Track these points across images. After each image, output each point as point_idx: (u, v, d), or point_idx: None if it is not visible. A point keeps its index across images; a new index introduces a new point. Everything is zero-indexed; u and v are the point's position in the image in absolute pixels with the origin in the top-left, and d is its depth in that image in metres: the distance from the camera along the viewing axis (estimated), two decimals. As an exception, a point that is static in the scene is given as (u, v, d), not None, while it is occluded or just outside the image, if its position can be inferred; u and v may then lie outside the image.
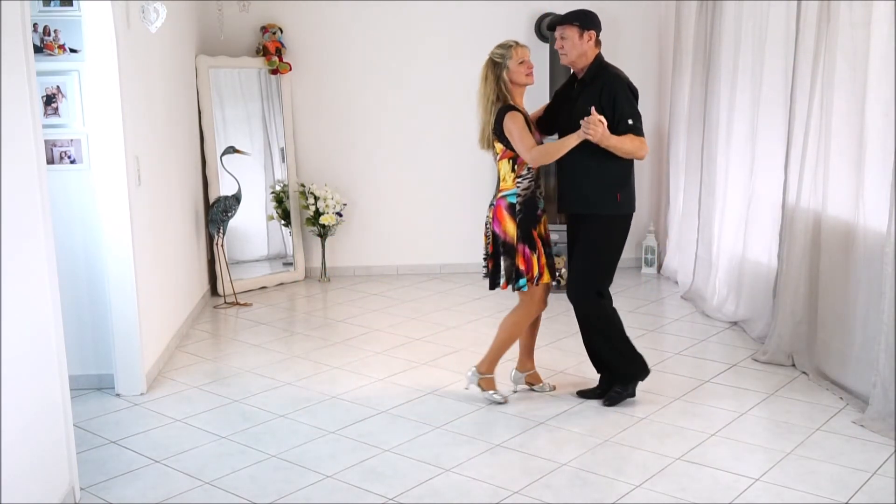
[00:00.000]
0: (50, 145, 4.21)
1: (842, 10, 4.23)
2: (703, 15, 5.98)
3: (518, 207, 4.06)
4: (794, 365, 4.67)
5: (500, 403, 4.23)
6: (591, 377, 4.45)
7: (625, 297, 6.27)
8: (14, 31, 2.92)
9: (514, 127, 3.96)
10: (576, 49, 4.03)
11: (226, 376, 4.72)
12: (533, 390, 4.39)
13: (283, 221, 6.87)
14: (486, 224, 4.19)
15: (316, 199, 6.63)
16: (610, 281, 4.21)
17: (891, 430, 3.75)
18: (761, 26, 5.17)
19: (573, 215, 4.21)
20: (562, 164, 4.11)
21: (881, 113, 4.01)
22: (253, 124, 6.80)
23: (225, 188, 6.36)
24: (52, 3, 4.17)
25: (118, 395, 4.41)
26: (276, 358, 5.02)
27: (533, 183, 4.09)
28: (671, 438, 3.81)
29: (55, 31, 4.19)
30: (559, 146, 3.95)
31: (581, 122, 3.88)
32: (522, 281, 4.07)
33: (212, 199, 6.34)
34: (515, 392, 4.37)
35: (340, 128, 6.92)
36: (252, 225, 6.93)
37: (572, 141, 3.92)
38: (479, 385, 4.27)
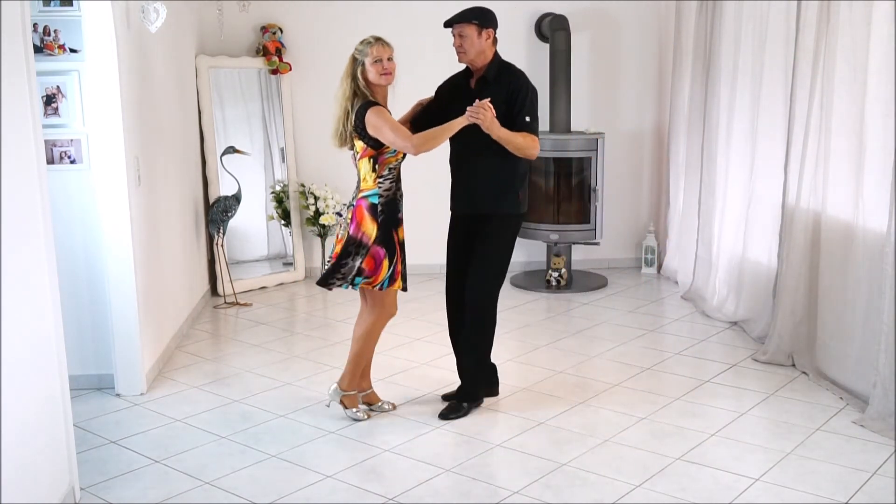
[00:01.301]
0: (50, 145, 4.20)
1: (842, 9, 4.23)
2: (703, 15, 5.98)
3: (380, 208, 3.88)
4: (794, 365, 4.67)
5: (360, 420, 4.03)
6: (592, 377, 4.45)
7: (625, 297, 6.27)
8: (14, 31, 2.92)
9: (381, 121, 3.77)
10: (474, 47, 3.96)
11: (226, 376, 4.72)
12: (372, 410, 4.14)
13: (283, 221, 6.87)
14: (343, 223, 3.98)
15: (316, 199, 6.63)
16: (503, 281, 4.16)
17: (891, 430, 3.75)
18: (761, 26, 5.17)
19: (462, 216, 4.15)
20: (461, 163, 4.09)
21: (881, 113, 4.01)
22: (253, 124, 6.81)
23: (225, 188, 6.36)
24: (52, 3, 4.17)
25: (118, 395, 4.41)
26: (276, 358, 5.02)
27: (394, 184, 3.93)
28: (671, 438, 3.81)
29: (55, 31, 4.19)
30: (442, 131, 3.82)
31: (468, 108, 3.79)
32: (358, 280, 3.88)
33: (212, 199, 6.34)
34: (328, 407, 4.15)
35: (340, 128, 6.91)
36: (252, 225, 6.93)
37: (455, 126, 3.81)
38: (341, 403, 4.06)
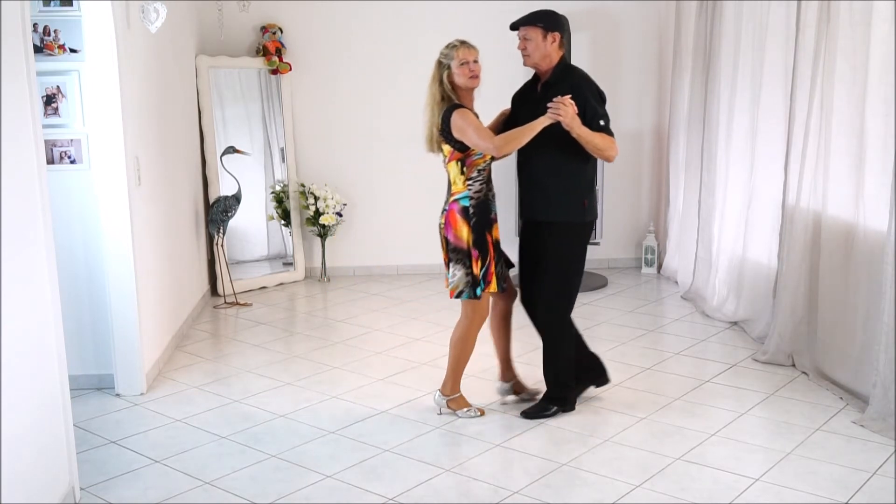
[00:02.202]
0: (50, 145, 4.21)
1: (842, 9, 4.23)
2: (703, 15, 5.98)
3: (471, 210, 3.89)
4: (794, 365, 4.67)
5: (476, 417, 4.08)
6: (591, 377, 4.44)
7: (625, 297, 6.27)
8: (14, 31, 2.92)
9: (465, 123, 3.78)
10: (539, 51, 3.91)
11: (226, 376, 4.72)
12: (521, 399, 4.24)
13: (283, 221, 6.87)
14: (439, 229, 3.99)
15: (316, 199, 6.63)
16: (577, 294, 4.10)
17: (891, 430, 3.75)
18: (761, 26, 5.17)
19: (531, 223, 4.09)
20: (523, 168, 4.02)
21: (881, 113, 4.01)
22: (253, 124, 6.81)
23: (225, 188, 6.36)
24: (52, 3, 4.17)
25: (118, 395, 4.41)
26: (276, 358, 5.02)
27: (485, 185, 3.92)
28: (671, 438, 3.81)
29: (55, 31, 4.19)
30: (524, 131, 3.77)
31: (548, 104, 3.73)
32: (480, 289, 3.90)
33: (212, 199, 6.34)
34: (505, 403, 4.25)
35: (340, 128, 6.92)
36: (252, 225, 6.93)
37: (538, 126, 3.74)
38: (449, 407, 4.10)
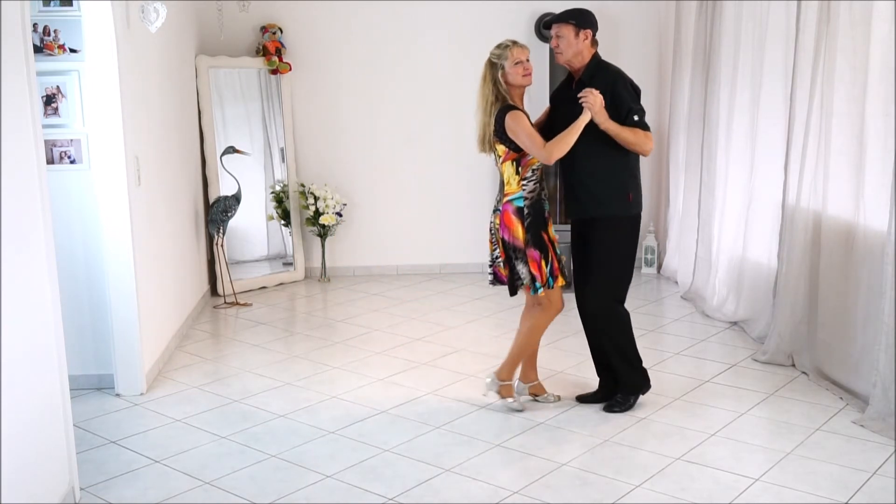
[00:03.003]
0: (50, 145, 4.20)
1: (842, 9, 4.23)
2: (703, 15, 5.98)
3: (526, 211, 3.95)
4: (794, 365, 4.67)
5: (518, 411, 4.11)
6: (592, 378, 4.44)
7: (625, 297, 6.27)
8: (14, 31, 2.92)
9: (518, 127, 3.84)
10: (571, 48, 3.95)
11: (226, 376, 4.72)
12: (537, 401, 4.24)
13: (283, 221, 6.87)
14: (490, 230, 4.07)
15: (316, 199, 6.63)
16: (628, 285, 4.12)
17: (891, 430, 3.75)
18: (761, 26, 5.17)
19: (578, 222, 4.12)
20: (565, 167, 4.04)
21: (881, 113, 4.01)
22: (253, 124, 6.81)
23: (225, 188, 6.36)
24: (52, 3, 4.17)
25: (118, 395, 4.41)
26: (276, 358, 5.02)
27: (538, 185, 3.98)
28: (671, 438, 3.81)
29: (55, 31, 4.19)
30: (569, 133, 3.81)
31: (578, 97, 3.81)
32: (538, 286, 3.96)
33: (212, 199, 6.34)
34: (518, 409, 4.22)
35: (340, 128, 6.92)
36: (252, 225, 6.93)
37: (580, 124, 3.80)
38: (498, 392, 4.15)
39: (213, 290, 6.51)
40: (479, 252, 7.16)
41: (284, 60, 6.66)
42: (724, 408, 4.15)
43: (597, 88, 3.83)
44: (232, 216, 6.23)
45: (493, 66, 3.95)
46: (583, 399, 4.27)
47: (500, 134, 3.90)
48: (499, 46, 3.97)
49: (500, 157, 3.99)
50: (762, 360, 4.76)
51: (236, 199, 6.19)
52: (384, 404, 4.26)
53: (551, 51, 6.55)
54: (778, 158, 4.95)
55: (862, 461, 3.53)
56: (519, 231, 3.96)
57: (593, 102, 3.78)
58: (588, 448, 3.73)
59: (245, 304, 6.21)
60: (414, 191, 7.04)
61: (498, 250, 4.06)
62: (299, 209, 6.81)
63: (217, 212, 6.16)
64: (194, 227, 6.04)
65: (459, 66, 6.81)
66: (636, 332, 5.31)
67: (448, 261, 7.15)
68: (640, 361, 4.19)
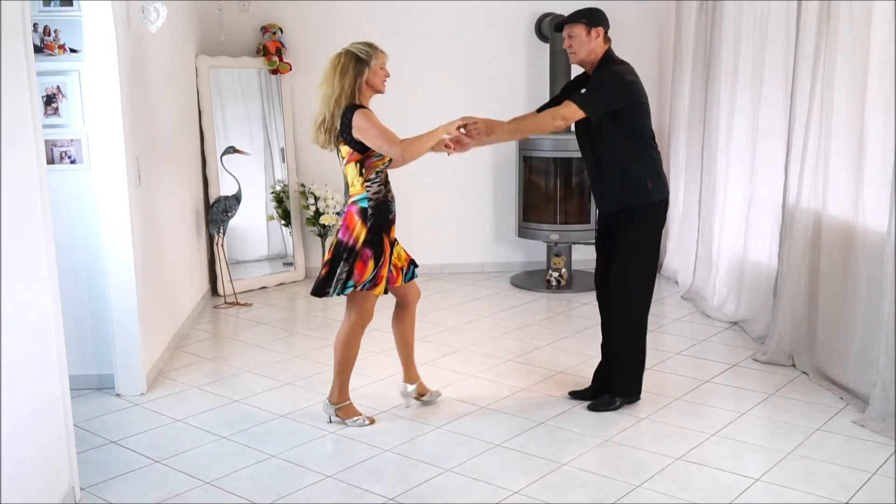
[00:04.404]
0: (50, 145, 4.20)
1: (842, 9, 4.23)
2: (703, 15, 5.98)
3: (370, 212, 3.81)
4: (794, 365, 4.67)
5: (366, 426, 3.98)
6: (591, 378, 4.44)
7: (625, 297, 6.27)
8: (14, 31, 2.92)
9: (369, 123, 3.70)
10: (584, 47, 3.95)
11: (226, 376, 4.72)
12: (424, 402, 4.21)
13: (283, 221, 6.87)
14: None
15: (316, 199, 6.63)
16: (654, 281, 4.13)
17: (891, 430, 3.75)
18: (761, 26, 5.17)
19: (605, 216, 4.13)
20: (585, 163, 4.11)
21: (881, 113, 4.01)
22: (253, 124, 6.80)
23: (225, 188, 6.36)
24: (52, 3, 4.17)
25: (118, 395, 4.41)
26: (276, 358, 5.02)
27: (383, 187, 3.86)
28: (671, 438, 3.81)
29: (55, 31, 4.19)
30: (424, 137, 3.78)
31: (451, 138, 3.86)
32: (350, 284, 3.82)
33: (212, 199, 6.34)
34: (408, 407, 4.20)
35: (340, 128, 6.91)
36: (252, 225, 6.93)
37: (436, 135, 3.81)
38: (338, 416, 3.99)
39: (214, 290, 6.51)
40: (479, 252, 7.18)
41: (284, 60, 6.66)
42: (725, 408, 4.15)
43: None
44: (232, 216, 6.23)
45: (359, 60, 3.77)
46: (575, 395, 4.29)
47: (346, 134, 3.76)
48: (365, 44, 3.82)
49: (343, 158, 3.85)
50: (762, 360, 4.76)
51: (237, 199, 6.19)
52: (384, 404, 4.26)
53: (551, 51, 6.63)
54: (778, 158, 4.95)
55: (862, 461, 3.53)
56: (360, 231, 3.81)
57: (462, 148, 3.90)
58: (588, 448, 3.73)
59: (245, 304, 6.21)
60: (414, 191, 7.03)
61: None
62: (299, 209, 6.81)
63: (217, 212, 6.16)
64: (194, 227, 6.04)
65: (459, 67, 6.82)
66: (636, 332, 5.36)
67: (448, 261, 7.15)
68: (643, 370, 4.19)
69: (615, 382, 4.16)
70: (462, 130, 3.90)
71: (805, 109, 4.54)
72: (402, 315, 4.17)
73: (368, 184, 3.84)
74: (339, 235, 3.88)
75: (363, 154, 3.80)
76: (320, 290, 3.88)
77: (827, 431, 3.84)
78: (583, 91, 3.93)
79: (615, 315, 4.12)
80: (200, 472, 3.55)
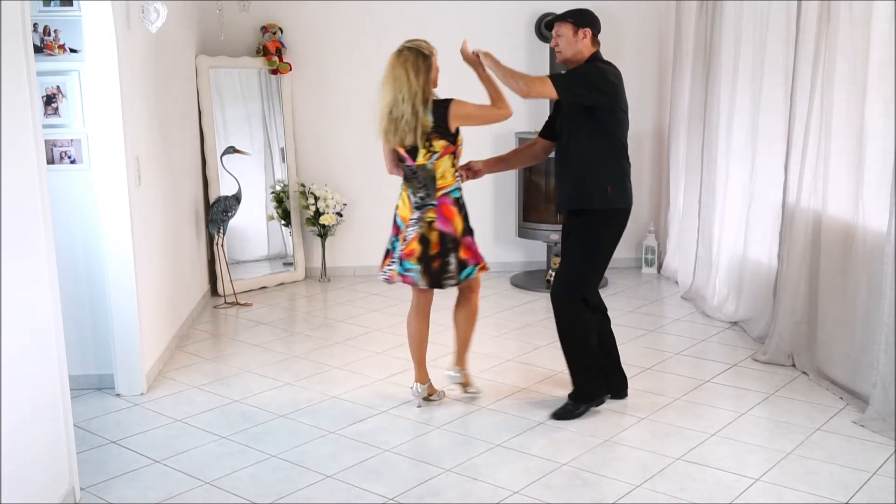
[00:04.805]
0: (50, 145, 4.21)
1: (842, 9, 4.23)
2: (703, 15, 5.98)
3: (461, 201, 4.04)
4: (794, 365, 4.67)
5: (476, 396, 4.29)
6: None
7: (625, 297, 6.27)
8: (14, 31, 2.92)
9: (470, 108, 3.90)
10: (571, 47, 3.96)
11: (226, 376, 4.72)
12: (431, 401, 4.26)
13: (283, 221, 6.87)
14: (412, 227, 3.97)
15: (316, 199, 6.63)
16: (597, 281, 4.12)
17: (891, 430, 3.75)
18: (761, 26, 5.17)
19: (568, 212, 4.13)
20: (555, 160, 4.10)
21: (881, 113, 4.01)
22: (253, 124, 6.80)
23: (225, 188, 6.36)
24: (52, 3, 4.17)
25: (118, 395, 4.41)
26: (276, 358, 5.02)
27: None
28: (671, 438, 3.81)
29: (55, 31, 4.19)
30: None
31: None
32: (469, 269, 4.02)
33: (212, 199, 6.34)
34: (419, 407, 4.21)
35: (340, 127, 6.92)
36: (252, 225, 6.93)
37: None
38: (461, 384, 4.29)
39: (214, 290, 6.51)
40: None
41: (284, 60, 6.66)
42: (725, 408, 4.15)
43: None
44: (232, 216, 6.23)
45: (426, 58, 3.90)
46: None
47: (442, 129, 3.87)
48: (422, 41, 3.98)
49: (436, 153, 3.91)
50: (762, 360, 4.76)
51: (236, 199, 6.19)
52: (384, 404, 4.26)
53: (551, 51, 6.61)
54: (778, 158, 4.95)
55: (862, 461, 3.53)
56: (458, 222, 3.99)
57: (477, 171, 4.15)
58: (588, 448, 3.73)
59: (245, 304, 6.21)
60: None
61: (404, 247, 3.99)
62: (299, 209, 6.81)
63: (217, 212, 6.16)
64: (194, 226, 6.04)
65: (459, 66, 6.80)
66: (637, 333, 5.37)
67: (448, 261, 7.14)
68: (599, 368, 4.12)
69: (575, 386, 4.12)
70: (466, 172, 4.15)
71: (805, 109, 4.54)
72: (464, 302, 4.31)
73: (457, 173, 4.04)
74: (441, 227, 3.96)
75: (455, 145, 3.96)
76: (437, 281, 4.00)
77: (827, 431, 3.84)
78: (563, 72, 3.95)
79: (557, 312, 4.06)
80: (200, 472, 3.55)
